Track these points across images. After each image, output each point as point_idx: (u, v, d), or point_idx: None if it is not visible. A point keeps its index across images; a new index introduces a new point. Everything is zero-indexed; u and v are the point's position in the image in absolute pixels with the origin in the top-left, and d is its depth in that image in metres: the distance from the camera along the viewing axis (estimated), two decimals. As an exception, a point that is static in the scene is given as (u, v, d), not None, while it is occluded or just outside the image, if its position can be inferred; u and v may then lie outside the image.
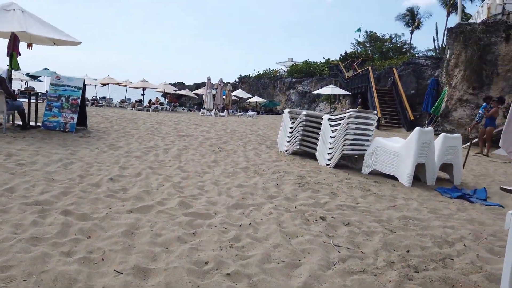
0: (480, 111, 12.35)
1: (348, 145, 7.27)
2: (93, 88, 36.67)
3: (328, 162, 7.52)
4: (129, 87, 33.05)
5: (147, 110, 27.97)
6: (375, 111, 7.52)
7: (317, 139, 7.91)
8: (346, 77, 29.52)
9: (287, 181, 6.00)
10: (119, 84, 33.54)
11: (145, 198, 4.49)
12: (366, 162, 7.22)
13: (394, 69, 21.01)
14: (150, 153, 7.18)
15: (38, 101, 9.71)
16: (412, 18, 48.02)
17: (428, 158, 6.76)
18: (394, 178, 6.84)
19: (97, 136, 8.47)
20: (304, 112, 8.32)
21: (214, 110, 27.54)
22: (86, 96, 32.69)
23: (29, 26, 7.97)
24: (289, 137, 8.61)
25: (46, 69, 27.28)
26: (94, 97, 34.68)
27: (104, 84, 33.31)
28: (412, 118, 17.76)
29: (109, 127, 9.99)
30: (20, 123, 8.37)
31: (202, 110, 29.44)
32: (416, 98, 20.56)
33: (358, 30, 37.37)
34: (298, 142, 8.33)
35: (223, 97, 30.05)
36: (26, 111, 8.45)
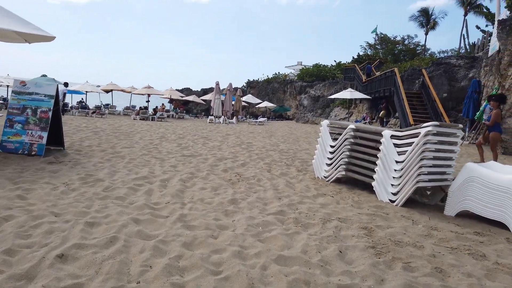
0: (485, 115, 10.97)
1: (425, 174, 4.96)
2: (97, 95, 34.68)
3: (392, 198, 5.21)
4: (134, 93, 30.95)
5: (152, 119, 25.86)
6: (460, 125, 5.24)
7: (373, 163, 5.61)
8: (364, 80, 27.14)
9: (352, 241, 3.71)
10: (123, 91, 31.43)
11: (110, 315, 2.23)
12: (453, 199, 4.90)
13: (424, 70, 18.61)
14: (140, 190, 4.91)
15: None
16: (426, 19, 45.57)
17: (555, 196, 4.43)
18: (499, 224, 4.53)
19: (73, 160, 6.24)
20: (352, 125, 6.02)
21: (222, 117, 25.36)
22: (88, 103, 30.82)
23: (-21, 15, 5.79)
24: (330, 159, 6.32)
25: (44, 75, 25.18)
26: (98, 105, 32.64)
27: (107, 91, 31.22)
28: (450, 125, 15.32)
29: (95, 146, 7.76)
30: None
31: (210, 117, 27.31)
32: (449, 102, 18.17)
33: (374, 30, 34.93)
34: (344, 167, 6.03)
35: (233, 103, 27.85)
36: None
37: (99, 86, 33.32)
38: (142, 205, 4.26)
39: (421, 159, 4.93)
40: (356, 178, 5.90)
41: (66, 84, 22.52)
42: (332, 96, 24.19)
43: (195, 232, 3.62)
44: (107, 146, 7.83)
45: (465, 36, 26.17)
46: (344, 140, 6.06)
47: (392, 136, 5.36)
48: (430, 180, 5.05)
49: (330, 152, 6.33)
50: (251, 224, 3.95)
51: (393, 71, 19.69)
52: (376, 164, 5.52)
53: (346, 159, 6.01)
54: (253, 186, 5.60)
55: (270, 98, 41.98)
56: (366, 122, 22.68)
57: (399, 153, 5.22)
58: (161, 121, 25.70)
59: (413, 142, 5.04)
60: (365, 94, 24.13)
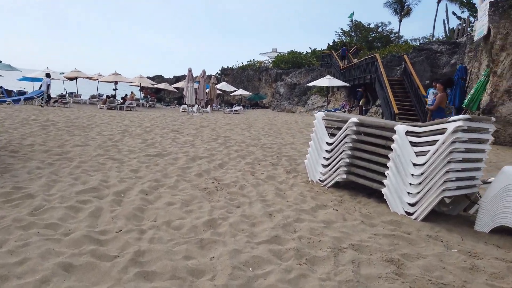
0: (429, 100, 9.98)
1: (452, 180, 3.92)
2: (61, 83, 32.26)
3: (410, 210, 4.15)
4: (100, 81, 28.83)
5: (120, 108, 24.09)
6: (493, 118, 4.22)
7: (382, 165, 4.53)
8: (341, 67, 26.25)
9: (381, 286, 2.61)
10: (88, 78, 29.25)
11: None
12: (486, 212, 3.88)
13: (406, 57, 17.79)
14: (84, 210, 3.61)
15: None
16: (400, 5, 45.18)
17: None
18: (548, 244, 3.55)
19: (2, 166, 4.83)
20: (354, 118, 4.90)
21: (196, 105, 23.92)
22: (50, 92, 28.72)
23: None
24: (327, 159, 5.20)
25: (-2, 61, 22.87)
26: (62, 93, 30.28)
27: (71, 79, 28.97)
28: (434, 113, 14.63)
29: (39, 145, 6.30)
30: None
31: (183, 106, 25.83)
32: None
33: (351, 16, 33.99)
34: (344, 169, 4.93)
35: (207, 91, 26.39)
36: None
37: (62, 73, 30.98)
38: (82, 237, 2.98)
39: (448, 162, 3.87)
40: (360, 183, 4.80)
41: (48, 75, 21.36)
42: (311, 84, 23.17)
43: (156, 285, 2.40)
44: (54, 144, 6.38)
45: (445, 22, 25.55)
46: (345, 137, 4.93)
47: (408, 133, 4.28)
48: (457, 188, 4.01)
49: (326, 151, 5.20)
50: (237, 264, 2.76)
51: (374, 57, 18.80)
52: (386, 167, 4.44)
53: (347, 160, 4.90)
54: (235, 197, 4.40)
55: (245, 86, 40.62)
56: (345, 111, 21.83)
57: (417, 154, 4.15)
58: (130, 110, 23.98)
59: (437, 141, 3.96)
60: (343, 81, 23.24)
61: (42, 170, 4.77)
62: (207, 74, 26.04)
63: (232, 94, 36.68)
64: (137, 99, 29.06)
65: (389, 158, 4.41)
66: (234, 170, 5.69)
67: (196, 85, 23.96)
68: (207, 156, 6.49)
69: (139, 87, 37.18)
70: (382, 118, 18.17)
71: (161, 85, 34.16)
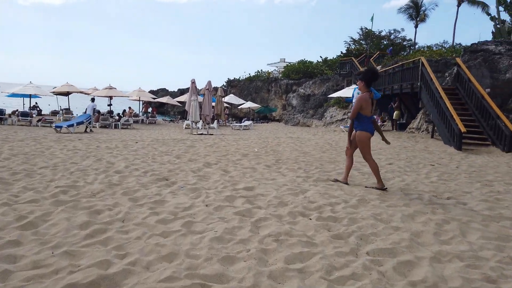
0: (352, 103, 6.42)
1: None
2: (55, 99, 28.74)
3: None
4: (94, 95, 25.29)
5: (115, 126, 20.45)
6: None
7: None
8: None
9: None
10: (82, 93, 25.74)
11: None
12: None
13: (459, 60, 14.02)
14: None
15: None
16: (416, 10, 41.72)
17: None
18: None
19: None
20: None
21: (201, 122, 20.24)
22: (44, 108, 25.30)
23: None
24: None
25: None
26: (56, 110, 26.68)
27: (63, 94, 25.46)
28: (515, 131, 10.79)
29: None
30: None
31: (186, 122, 22.20)
32: (494, 99, 13.62)
33: (372, 19, 30.26)
34: None
35: (213, 104, 22.73)
36: None
37: (55, 87, 27.55)
38: None
39: None
40: None
41: (93, 100, 20.34)
42: (333, 95, 19.43)
43: None
44: None
45: (496, 20, 21.53)
46: None
47: None
48: None
49: None
50: None
51: (419, 61, 15.02)
52: None
53: None
54: None
55: (253, 98, 37.00)
56: (377, 126, 18.00)
57: None
58: (126, 128, 20.37)
59: None
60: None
61: None
62: (213, 86, 22.37)
63: (239, 107, 33.06)
64: (136, 115, 25.48)
65: None
66: None
67: (200, 99, 20.31)
68: (217, 273, 2.66)
69: (142, 102, 33.70)
70: (432, 137, 14.29)
71: (163, 99, 30.59)
